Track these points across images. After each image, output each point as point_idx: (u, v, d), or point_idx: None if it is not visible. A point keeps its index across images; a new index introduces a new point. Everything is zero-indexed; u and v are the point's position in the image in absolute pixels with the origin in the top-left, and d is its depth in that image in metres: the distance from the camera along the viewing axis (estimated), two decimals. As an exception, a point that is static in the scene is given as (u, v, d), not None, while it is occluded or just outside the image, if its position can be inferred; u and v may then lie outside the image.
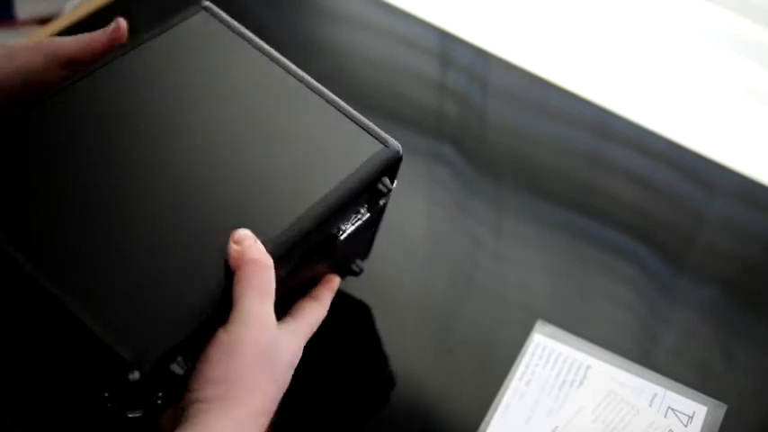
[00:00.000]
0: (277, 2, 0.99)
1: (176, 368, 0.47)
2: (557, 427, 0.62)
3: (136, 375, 0.44)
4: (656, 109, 0.88)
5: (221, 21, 0.64)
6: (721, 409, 0.63)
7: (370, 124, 0.59)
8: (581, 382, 0.64)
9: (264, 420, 0.48)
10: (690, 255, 0.77)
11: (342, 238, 0.57)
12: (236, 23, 0.64)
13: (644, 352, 0.68)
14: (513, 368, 0.65)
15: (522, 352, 0.66)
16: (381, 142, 0.58)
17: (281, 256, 0.51)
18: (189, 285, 0.48)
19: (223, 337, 0.48)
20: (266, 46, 0.63)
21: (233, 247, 0.49)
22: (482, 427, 0.62)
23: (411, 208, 0.78)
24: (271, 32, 0.87)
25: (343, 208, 0.55)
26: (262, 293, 0.49)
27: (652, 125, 0.85)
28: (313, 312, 0.57)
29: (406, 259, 0.74)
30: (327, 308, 0.58)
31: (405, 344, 0.69)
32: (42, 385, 0.59)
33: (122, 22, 0.59)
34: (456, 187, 0.81)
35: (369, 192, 0.57)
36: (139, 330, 0.46)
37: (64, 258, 0.48)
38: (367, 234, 0.65)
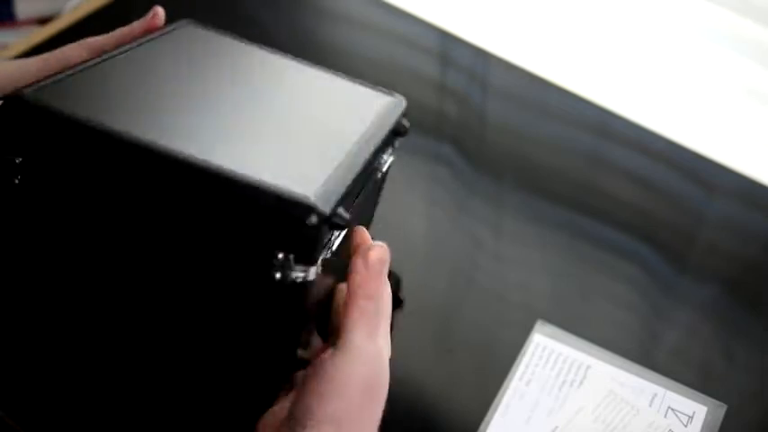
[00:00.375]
0: (277, 2, 0.99)
1: (342, 213, 0.47)
2: (557, 427, 0.62)
3: (313, 219, 0.45)
4: (656, 109, 0.88)
5: (206, 29, 0.66)
6: (721, 409, 0.63)
7: (371, 85, 0.62)
8: (581, 382, 0.64)
9: None
10: (690, 255, 0.77)
11: (381, 174, 0.59)
12: (221, 31, 0.66)
13: (644, 352, 0.68)
14: (513, 368, 0.65)
15: (522, 352, 0.66)
16: (389, 95, 0.61)
17: (345, 194, 0.50)
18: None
19: (332, 372, 0.46)
20: (255, 44, 0.65)
21: (359, 266, 0.48)
22: (482, 427, 0.62)
23: (411, 208, 0.78)
24: (271, 33, 0.87)
25: (380, 144, 0.56)
26: (374, 328, 0.47)
27: (652, 125, 0.85)
28: (385, 315, 0.50)
29: (406, 259, 0.74)
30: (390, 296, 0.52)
31: (405, 344, 0.69)
32: (48, 381, 0.60)
33: (160, 10, 0.59)
34: (456, 187, 0.81)
35: (393, 132, 0.59)
36: (305, 183, 0.47)
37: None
38: (375, 197, 0.66)
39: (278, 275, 0.47)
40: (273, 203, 0.46)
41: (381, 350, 0.47)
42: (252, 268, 0.47)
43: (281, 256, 0.47)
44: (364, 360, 0.47)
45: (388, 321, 0.48)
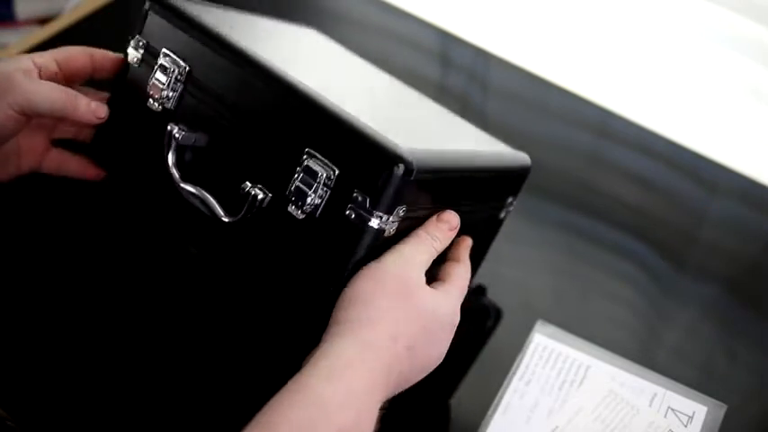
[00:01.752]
0: (277, 2, 1.00)
1: (427, 176, 0.52)
2: (557, 427, 0.62)
3: (401, 169, 0.50)
4: (656, 109, 0.88)
5: (332, 40, 0.76)
6: (721, 409, 0.63)
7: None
8: (581, 382, 0.64)
9: (397, 348, 0.49)
10: (690, 254, 0.77)
11: (499, 218, 0.65)
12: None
13: (644, 352, 0.68)
14: (513, 368, 0.65)
15: (522, 352, 0.66)
16: (516, 150, 0.66)
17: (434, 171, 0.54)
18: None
19: (372, 264, 0.52)
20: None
21: (434, 221, 0.56)
22: (482, 427, 0.62)
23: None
24: (271, 32, 0.87)
25: (492, 170, 0.61)
26: (423, 251, 0.54)
27: (652, 125, 0.85)
28: (460, 275, 0.57)
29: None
30: (470, 267, 0.59)
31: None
32: (49, 379, 0.60)
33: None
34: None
35: (509, 176, 0.63)
36: (408, 141, 0.52)
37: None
38: (489, 235, 0.69)
39: (352, 215, 0.52)
40: (369, 143, 0.51)
41: (415, 261, 0.53)
42: (333, 202, 0.52)
43: (359, 196, 0.52)
44: (404, 262, 0.52)
45: (435, 250, 0.55)
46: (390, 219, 0.52)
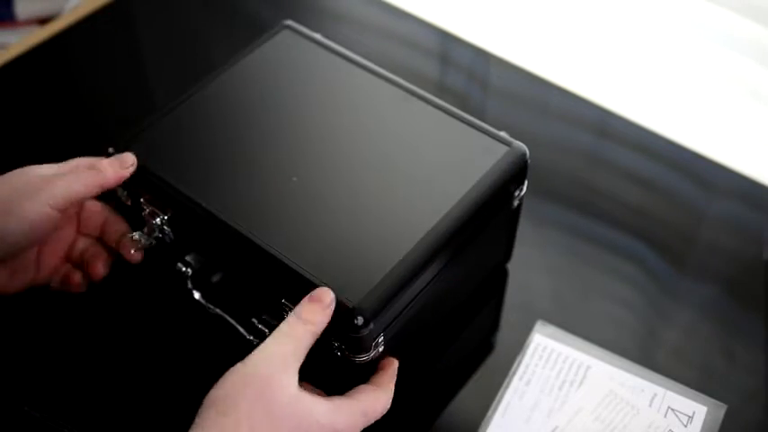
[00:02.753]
0: (277, 2, 1.00)
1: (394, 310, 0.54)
2: (557, 427, 0.62)
3: (360, 321, 0.52)
4: (656, 109, 0.88)
5: (306, 37, 0.70)
6: (721, 409, 0.63)
7: (488, 127, 0.63)
8: (581, 382, 0.64)
9: None
10: (690, 255, 0.77)
11: (512, 210, 0.64)
12: (319, 37, 0.70)
13: (644, 352, 0.68)
14: (513, 368, 0.65)
15: (522, 352, 0.66)
16: (505, 144, 0.62)
17: (424, 262, 0.56)
18: (383, 256, 0.55)
19: (237, 365, 0.50)
20: (356, 56, 0.68)
21: (306, 302, 0.53)
22: (482, 427, 0.62)
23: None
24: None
25: (476, 212, 0.59)
26: (292, 342, 0.51)
27: (652, 125, 0.85)
28: (369, 397, 0.54)
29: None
30: (389, 395, 0.55)
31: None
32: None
33: (131, 158, 0.62)
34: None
35: (506, 186, 0.61)
36: (357, 285, 0.54)
37: (273, 222, 0.57)
38: (508, 231, 0.69)
39: (338, 354, 0.55)
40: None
41: (283, 357, 0.50)
42: (318, 347, 0.53)
43: (336, 344, 0.54)
44: (273, 362, 0.50)
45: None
46: (372, 353, 0.55)
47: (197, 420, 0.48)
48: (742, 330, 0.70)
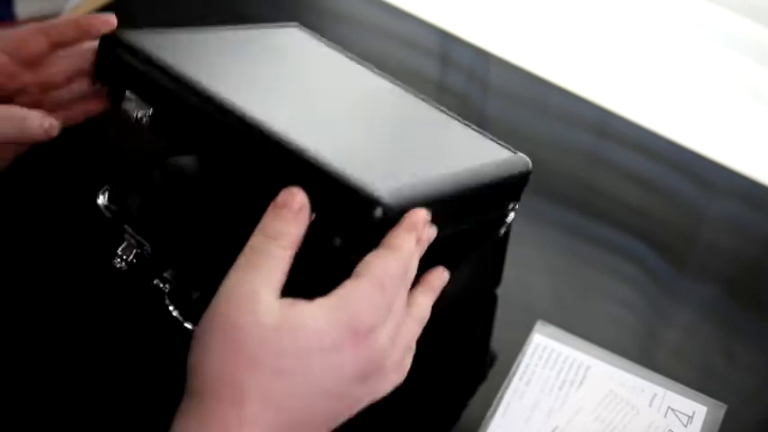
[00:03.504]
0: (277, 2, 1.00)
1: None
2: (557, 427, 0.62)
3: (379, 213, 0.44)
4: (656, 109, 0.88)
5: (314, 36, 0.70)
6: (721, 409, 0.63)
7: (495, 139, 0.63)
8: (581, 382, 0.64)
9: (245, 414, 0.38)
10: (690, 255, 0.77)
11: (500, 233, 0.61)
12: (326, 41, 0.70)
13: (644, 352, 0.68)
14: (513, 368, 0.65)
15: (522, 352, 0.66)
16: (511, 152, 0.61)
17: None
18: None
19: (204, 325, 0.40)
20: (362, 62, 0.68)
21: (269, 213, 0.42)
22: (482, 427, 0.62)
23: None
24: (271, 32, 0.87)
25: (483, 188, 0.56)
26: (259, 263, 0.41)
27: (652, 125, 0.85)
28: (370, 265, 0.42)
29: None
30: (399, 254, 0.43)
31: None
32: None
33: (112, 18, 0.57)
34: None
35: (505, 185, 0.59)
36: (382, 178, 0.46)
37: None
38: (496, 254, 0.67)
39: (337, 252, 0.46)
40: (344, 195, 0.45)
41: (250, 283, 0.40)
42: (315, 241, 0.45)
43: (339, 240, 0.46)
44: (217, 304, 0.40)
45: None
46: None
47: (188, 419, 0.39)
48: (742, 330, 0.70)
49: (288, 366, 0.39)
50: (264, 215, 0.42)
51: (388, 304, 0.42)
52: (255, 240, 0.41)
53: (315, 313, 0.40)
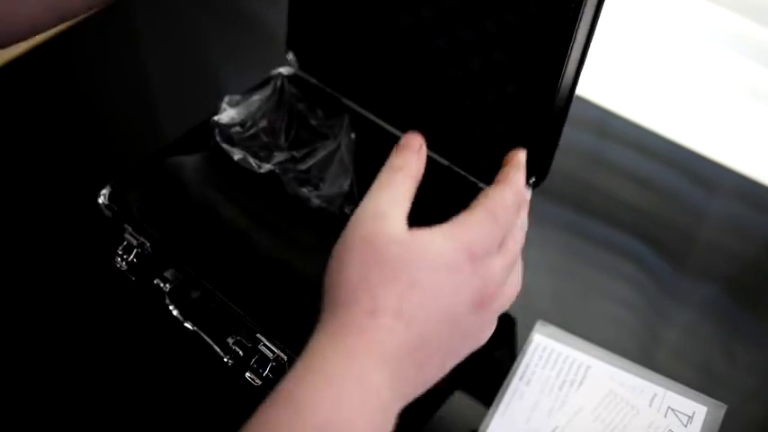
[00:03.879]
0: (277, 2, 0.99)
1: None
2: (557, 427, 0.62)
3: None
4: (656, 109, 0.88)
5: None
6: (721, 409, 0.63)
7: None
8: (581, 382, 0.64)
9: (380, 322, 0.42)
10: (690, 255, 0.77)
11: None
12: None
13: (644, 352, 0.68)
14: (513, 368, 0.65)
15: (522, 352, 0.66)
16: None
17: None
18: None
19: (340, 246, 0.44)
20: None
21: (394, 152, 0.47)
22: (482, 427, 0.62)
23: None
24: (271, 32, 0.87)
25: None
26: (384, 190, 0.46)
27: (652, 125, 0.85)
28: (489, 197, 0.46)
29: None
30: (516, 187, 0.48)
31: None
32: None
33: None
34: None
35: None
36: None
37: None
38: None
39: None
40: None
41: (378, 206, 0.45)
42: None
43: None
44: (351, 225, 0.45)
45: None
46: None
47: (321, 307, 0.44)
48: (742, 330, 0.70)
49: (419, 279, 0.43)
50: (390, 155, 0.48)
51: (501, 231, 0.46)
52: (383, 174, 0.47)
53: (436, 234, 0.44)
